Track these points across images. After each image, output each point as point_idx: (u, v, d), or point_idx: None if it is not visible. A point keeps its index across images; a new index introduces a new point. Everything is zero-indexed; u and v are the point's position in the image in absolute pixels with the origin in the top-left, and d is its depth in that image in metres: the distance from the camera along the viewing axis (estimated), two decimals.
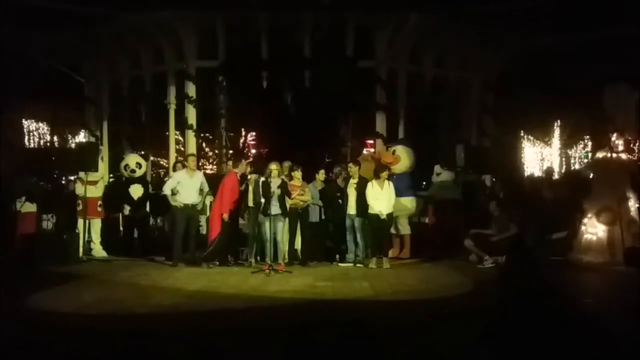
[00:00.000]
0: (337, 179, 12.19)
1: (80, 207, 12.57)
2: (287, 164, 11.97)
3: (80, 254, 12.22)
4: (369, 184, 11.56)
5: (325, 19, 14.30)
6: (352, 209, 11.72)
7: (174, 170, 13.08)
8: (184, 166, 12.35)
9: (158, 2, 14.26)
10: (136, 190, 13.20)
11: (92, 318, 7.35)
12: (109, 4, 14.43)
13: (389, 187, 11.50)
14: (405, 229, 12.73)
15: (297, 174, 11.75)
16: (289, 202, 11.39)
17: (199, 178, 11.91)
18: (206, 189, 11.92)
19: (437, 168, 13.15)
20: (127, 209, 13.22)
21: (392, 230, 12.41)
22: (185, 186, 11.69)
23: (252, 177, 11.49)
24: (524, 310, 6.38)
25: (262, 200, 11.00)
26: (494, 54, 15.88)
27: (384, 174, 11.59)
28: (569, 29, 16.14)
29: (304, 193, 11.66)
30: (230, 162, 13.04)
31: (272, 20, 14.16)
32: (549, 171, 15.09)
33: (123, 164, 13.54)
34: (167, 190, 11.74)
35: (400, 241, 12.72)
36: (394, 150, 13.01)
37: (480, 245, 11.67)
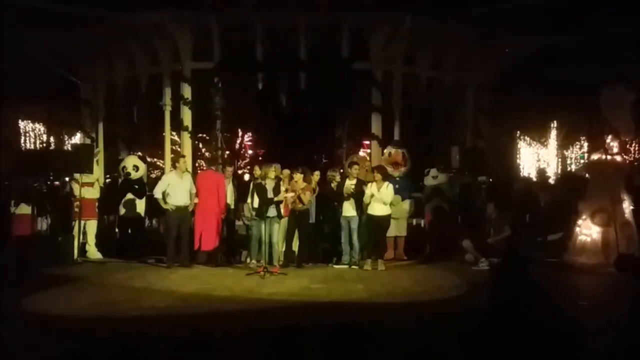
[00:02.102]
0: (330, 183, 12.16)
1: (80, 209, 12.50)
2: (277, 165, 11.94)
3: (75, 255, 12.19)
4: (368, 185, 11.58)
5: (320, 20, 14.31)
6: (347, 210, 11.73)
7: None
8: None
9: (154, 3, 14.27)
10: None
11: (86, 320, 7.35)
12: (104, 6, 14.43)
13: (386, 189, 11.50)
14: (402, 230, 12.75)
15: (298, 176, 11.75)
16: (286, 202, 11.46)
17: (188, 179, 11.91)
18: (194, 190, 11.93)
19: (433, 171, 13.14)
20: (122, 210, 13.19)
21: (390, 233, 12.43)
22: (176, 188, 11.68)
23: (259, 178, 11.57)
24: (517, 312, 6.41)
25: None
26: (489, 55, 15.90)
27: (379, 176, 11.60)
28: (564, 30, 16.18)
29: (294, 192, 11.66)
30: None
31: (268, 21, 14.15)
32: (542, 172, 15.13)
33: (121, 165, 13.53)
34: (158, 193, 11.72)
35: (395, 243, 12.73)
36: (404, 153, 13.07)
37: (477, 247, 11.67)
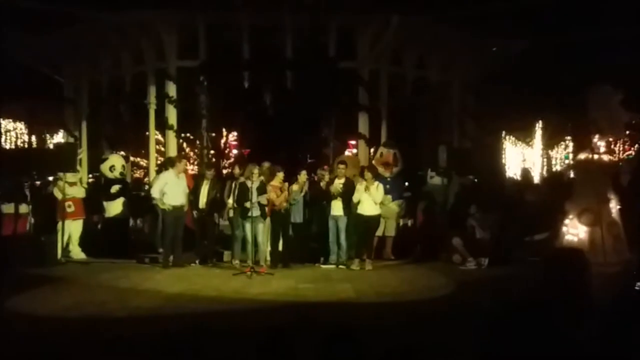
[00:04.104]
0: (319, 182, 12.12)
1: (72, 209, 12.32)
2: (266, 164, 11.87)
3: (59, 255, 12.04)
4: (358, 185, 11.53)
5: (307, 19, 14.25)
6: (335, 210, 11.67)
7: (160, 172, 12.94)
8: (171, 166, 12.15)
9: (138, 2, 14.14)
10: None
11: (71, 321, 7.25)
12: (89, 4, 14.28)
13: (376, 189, 11.46)
14: (391, 231, 12.73)
15: (279, 175, 11.69)
16: (275, 202, 11.41)
17: (184, 180, 11.84)
18: (187, 190, 11.87)
19: (430, 173, 13.22)
20: (109, 210, 13.06)
21: (378, 232, 12.40)
22: (173, 188, 11.61)
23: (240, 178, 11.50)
24: (506, 311, 6.37)
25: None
26: (476, 55, 15.92)
27: (369, 175, 11.56)
28: (549, 31, 16.25)
29: (282, 192, 11.58)
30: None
31: (254, 20, 14.08)
32: (526, 172, 15.21)
33: (108, 165, 13.36)
34: (156, 193, 11.65)
35: (383, 243, 12.70)
36: (395, 153, 13.08)
37: (466, 246, 11.67)
